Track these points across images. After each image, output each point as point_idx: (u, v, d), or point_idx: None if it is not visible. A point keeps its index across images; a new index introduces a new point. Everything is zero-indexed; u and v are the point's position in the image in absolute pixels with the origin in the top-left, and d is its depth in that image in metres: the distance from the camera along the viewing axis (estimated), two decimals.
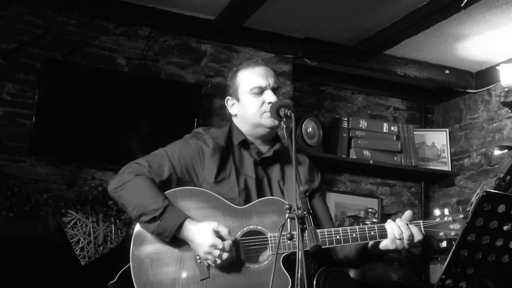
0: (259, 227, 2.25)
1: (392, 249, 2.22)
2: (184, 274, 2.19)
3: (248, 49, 4.50)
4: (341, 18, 4.24)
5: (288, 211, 1.84)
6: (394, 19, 4.19)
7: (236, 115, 2.46)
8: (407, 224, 2.21)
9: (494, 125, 4.77)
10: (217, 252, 2.14)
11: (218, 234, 2.16)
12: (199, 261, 2.19)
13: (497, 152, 4.36)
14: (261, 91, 2.38)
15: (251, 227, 2.25)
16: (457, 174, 5.03)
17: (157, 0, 4.14)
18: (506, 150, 4.22)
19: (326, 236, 2.21)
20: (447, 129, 5.16)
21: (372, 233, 2.22)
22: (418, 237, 2.21)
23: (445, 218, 2.25)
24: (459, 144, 5.07)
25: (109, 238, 3.81)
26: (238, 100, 2.43)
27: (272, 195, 2.36)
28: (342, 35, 4.54)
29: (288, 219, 1.84)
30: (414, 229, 2.21)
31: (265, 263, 2.22)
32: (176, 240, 2.20)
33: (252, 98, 2.38)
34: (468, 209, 2.22)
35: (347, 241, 2.21)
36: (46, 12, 4.02)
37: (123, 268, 2.24)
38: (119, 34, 4.20)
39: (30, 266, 3.68)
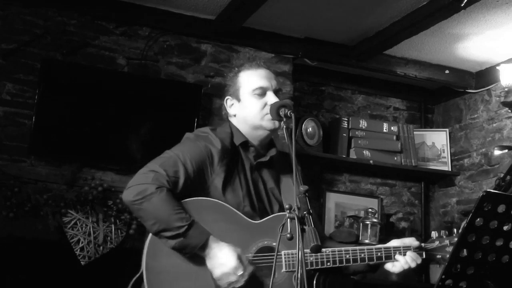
0: (273, 244, 2.24)
1: (395, 273, 2.44)
2: None
3: (248, 49, 4.50)
4: (341, 18, 4.23)
5: (288, 211, 1.84)
6: (394, 19, 4.18)
7: (235, 116, 2.44)
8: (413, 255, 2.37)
9: (494, 125, 4.76)
10: (234, 278, 2.14)
11: (240, 260, 2.16)
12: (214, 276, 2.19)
13: (497, 152, 4.36)
14: (263, 92, 2.37)
15: (265, 243, 2.25)
16: (457, 174, 5.02)
17: (157, 0, 4.14)
18: (506, 150, 4.22)
19: (337, 256, 2.31)
20: (447, 129, 5.15)
21: (379, 254, 2.39)
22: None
23: (444, 242, 2.34)
24: (459, 144, 5.07)
25: (109, 238, 3.81)
26: (238, 100, 2.42)
27: (268, 200, 2.37)
28: (342, 35, 4.53)
29: (288, 219, 1.84)
30: (418, 260, 2.38)
31: (278, 280, 2.22)
32: (193, 255, 2.19)
33: (254, 99, 2.38)
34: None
35: (355, 261, 2.35)
36: (46, 12, 4.02)
37: (135, 277, 2.22)
38: (119, 34, 4.20)
39: (30, 266, 3.68)
